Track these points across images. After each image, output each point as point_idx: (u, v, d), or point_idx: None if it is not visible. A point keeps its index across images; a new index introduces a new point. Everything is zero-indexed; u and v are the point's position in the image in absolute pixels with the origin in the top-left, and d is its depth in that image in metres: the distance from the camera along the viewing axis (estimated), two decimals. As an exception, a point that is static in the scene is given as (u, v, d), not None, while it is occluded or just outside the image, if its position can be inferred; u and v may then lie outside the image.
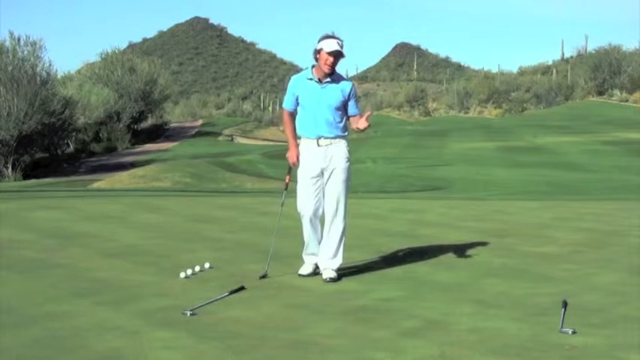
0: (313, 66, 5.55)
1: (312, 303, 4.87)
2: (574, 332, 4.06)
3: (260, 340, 4.02)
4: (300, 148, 5.64)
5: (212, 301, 4.79)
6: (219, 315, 4.52)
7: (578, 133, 37.00)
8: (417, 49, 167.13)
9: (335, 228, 5.58)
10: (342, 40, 5.49)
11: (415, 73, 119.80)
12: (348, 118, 5.67)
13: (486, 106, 69.79)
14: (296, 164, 5.63)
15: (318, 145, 5.54)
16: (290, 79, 5.72)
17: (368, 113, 5.66)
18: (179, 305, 4.70)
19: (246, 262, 6.25)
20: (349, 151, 5.63)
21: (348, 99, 5.58)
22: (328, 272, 5.55)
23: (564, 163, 24.49)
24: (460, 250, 6.77)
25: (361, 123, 5.54)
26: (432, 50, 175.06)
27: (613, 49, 65.83)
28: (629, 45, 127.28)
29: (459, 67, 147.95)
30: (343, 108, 5.58)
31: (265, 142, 49.75)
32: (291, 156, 5.65)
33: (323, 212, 5.64)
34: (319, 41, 5.48)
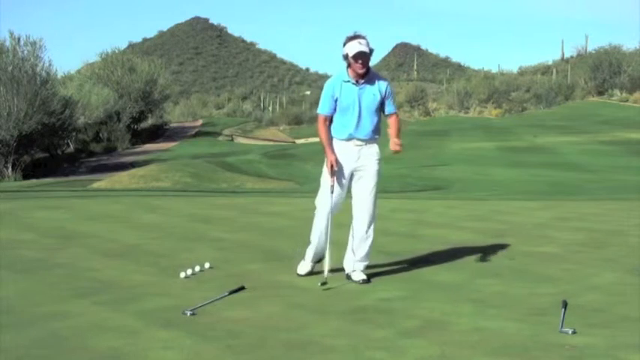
0: (348, 67, 5.45)
1: (312, 303, 4.87)
2: (574, 332, 4.06)
3: (260, 340, 4.02)
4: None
5: (212, 301, 4.79)
6: (219, 315, 4.52)
7: (578, 133, 37.03)
8: (417, 49, 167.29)
9: (365, 229, 5.52)
10: (364, 37, 5.39)
11: (415, 73, 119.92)
12: (386, 116, 5.59)
13: (486, 106, 69.83)
14: (336, 170, 5.47)
15: (352, 145, 5.47)
16: (325, 83, 5.60)
17: (399, 143, 5.48)
18: (179, 305, 4.70)
19: (246, 262, 6.25)
20: (380, 153, 5.57)
21: (385, 97, 5.52)
22: (358, 274, 5.53)
23: (564, 163, 24.49)
24: (460, 250, 6.77)
25: (394, 145, 5.44)
26: (432, 50, 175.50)
27: (613, 49, 65.95)
28: (629, 45, 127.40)
29: (459, 67, 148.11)
30: (380, 108, 5.52)
31: (265, 142, 49.82)
32: (330, 163, 5.46)
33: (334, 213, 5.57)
34: (344, 45, 5.40)
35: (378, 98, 5.47)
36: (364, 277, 5.51)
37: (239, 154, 33.39)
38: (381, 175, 5.58)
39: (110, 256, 6.50)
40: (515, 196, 14.14)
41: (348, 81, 5.45)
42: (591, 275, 5.73)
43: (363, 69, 5.38)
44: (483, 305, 4.75)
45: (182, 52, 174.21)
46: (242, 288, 5.16)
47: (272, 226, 8.52)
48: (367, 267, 5.62)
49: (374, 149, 5.54)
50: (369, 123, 5.46)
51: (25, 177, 29.36)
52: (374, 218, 5.57)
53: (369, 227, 5.55)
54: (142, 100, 51.29)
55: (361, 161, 5.50)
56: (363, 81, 5.44)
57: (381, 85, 5.50)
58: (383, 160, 5.60)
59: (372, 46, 5.39)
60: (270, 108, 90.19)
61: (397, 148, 5.46)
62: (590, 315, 4.48)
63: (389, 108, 5.57)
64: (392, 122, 5.60)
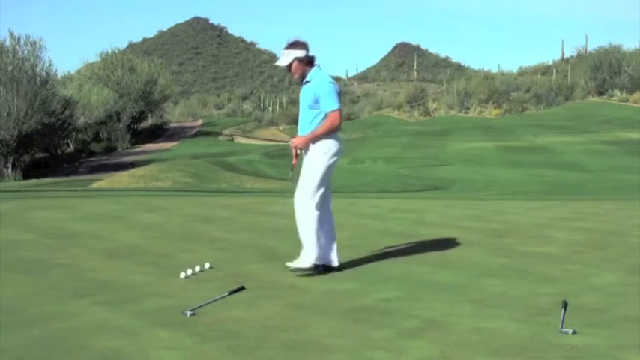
0: None
1: (312, 303, 4.87)
2: (574, 332, 4.06)
3: (260, 340, 4.02)
4: None
5: (212, 301, 4.79)
6: (219, 315, 4.52)
7: (578, 133, 37.07)
8: (417, 49, 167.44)
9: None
10: (293, 46, 5.71)
11: (415, 73, 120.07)
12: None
13: (486, 106, 69.82)
14: (297, 153, 5.86)
15: None
16: None
17: (292, 140, 5.85)
18: (179, 305, 4.70)
19: (246, 262, 6.25)
20: (324, 149, 5.68)
21: (319, 96, 5.66)
22: (335, 262, 5.88)
23: (564, 163, 24.51)
24: (460, 250, 6.77)
25: (296, 140, 5.79)
26: (432, 50, 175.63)
27: (613, 49, 65.90)
28: (629, 45, 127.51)
29: (459, 67, 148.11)
30: (317, 106, 5.70)
31: (265, 142, 49.80)
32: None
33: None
34: None
35: (312, 97, 5.68)
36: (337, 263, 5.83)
37: (239, 154, 33.39)
38: (318, 171, 5.65)
39: (110, 256, 6.50)
40: (515, 196, 14.15)
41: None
42: (591, 275, 5.73)
43: (293, 75, 5.78)
44: (483, 305, 4.76)
45: (182, 52, 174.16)
46: (242, 288, 5.16)
47: (272, 226, 8.52)
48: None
49: (314, 146, 5.69)
50: (306, 120, 5.76)
51: (25, 177, 29.38)
52: (303, 213, 5.67)
53: (301, 224, 5.71)
54: (142, 100, 51.28)
55: (307, 159, 5.78)
56: (305, 80, 5.76)
57: (317, 85, 5.71)
58: (327, 156, 5.65)
59: (302, 54, 5.69)
60: (270, 108, 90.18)
61: (290, 143, 5.90)
62: (590, 315, 4.48)
63: (323, 106, 5.68)
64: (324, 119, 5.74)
